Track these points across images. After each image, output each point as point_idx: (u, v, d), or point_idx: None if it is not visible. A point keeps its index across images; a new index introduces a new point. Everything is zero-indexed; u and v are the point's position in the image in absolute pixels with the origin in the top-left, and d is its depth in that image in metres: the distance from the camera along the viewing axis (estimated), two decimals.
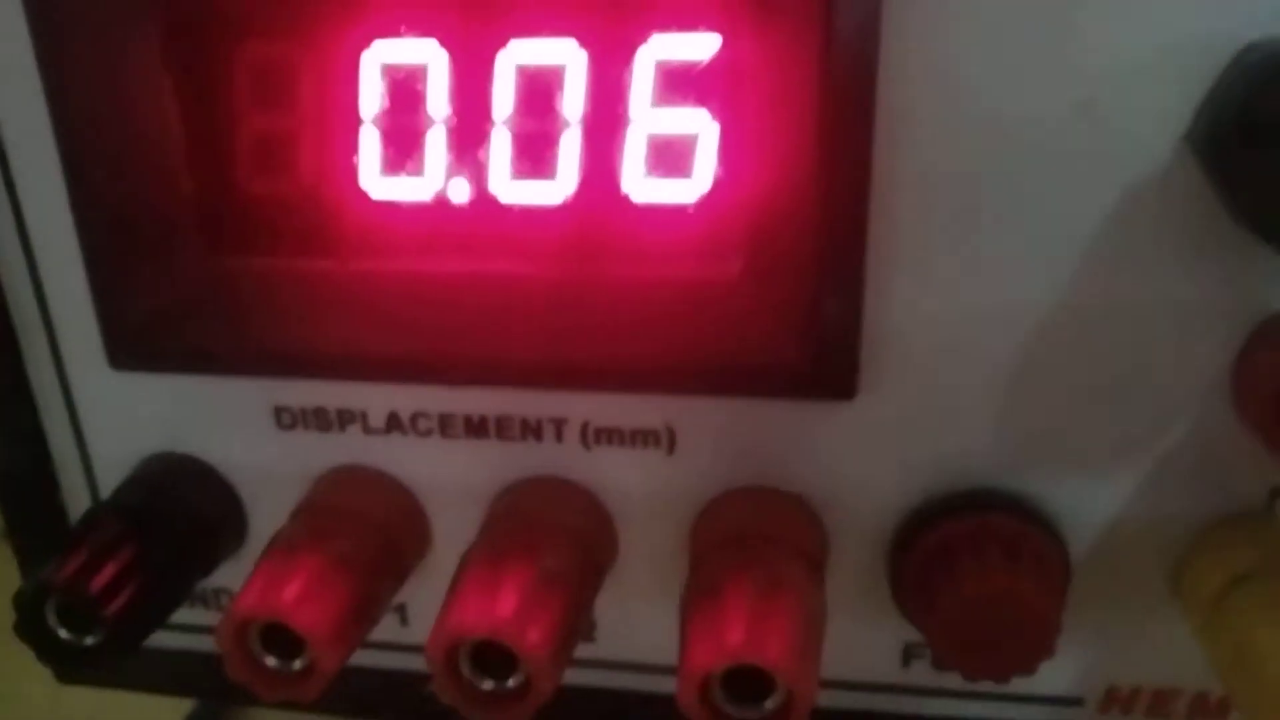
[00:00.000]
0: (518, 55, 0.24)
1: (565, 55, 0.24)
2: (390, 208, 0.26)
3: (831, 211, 0.23)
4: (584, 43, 0.24)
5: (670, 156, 0.25)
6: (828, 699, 0.27)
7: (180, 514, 0.27)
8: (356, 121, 0.25)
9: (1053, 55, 0.21)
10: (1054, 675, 0.27)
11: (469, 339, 0.25)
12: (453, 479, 0.27)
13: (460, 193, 0.25)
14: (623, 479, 0.26)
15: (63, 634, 0.25)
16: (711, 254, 0.25)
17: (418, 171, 0.26)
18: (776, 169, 0.24)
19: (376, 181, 0.26)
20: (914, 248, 0.23)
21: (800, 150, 0.23)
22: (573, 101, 0.24)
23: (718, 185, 0.24)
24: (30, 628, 0.25)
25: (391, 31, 0.25)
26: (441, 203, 0.26)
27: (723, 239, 0.25)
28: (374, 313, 0.26)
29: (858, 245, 0.23)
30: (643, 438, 0.26)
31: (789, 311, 0.24)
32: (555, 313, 0.25)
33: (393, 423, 0.27)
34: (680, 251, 0.25)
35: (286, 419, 0.27)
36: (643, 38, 0.24)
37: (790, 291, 0.24)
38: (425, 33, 0.25)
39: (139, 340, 0.26)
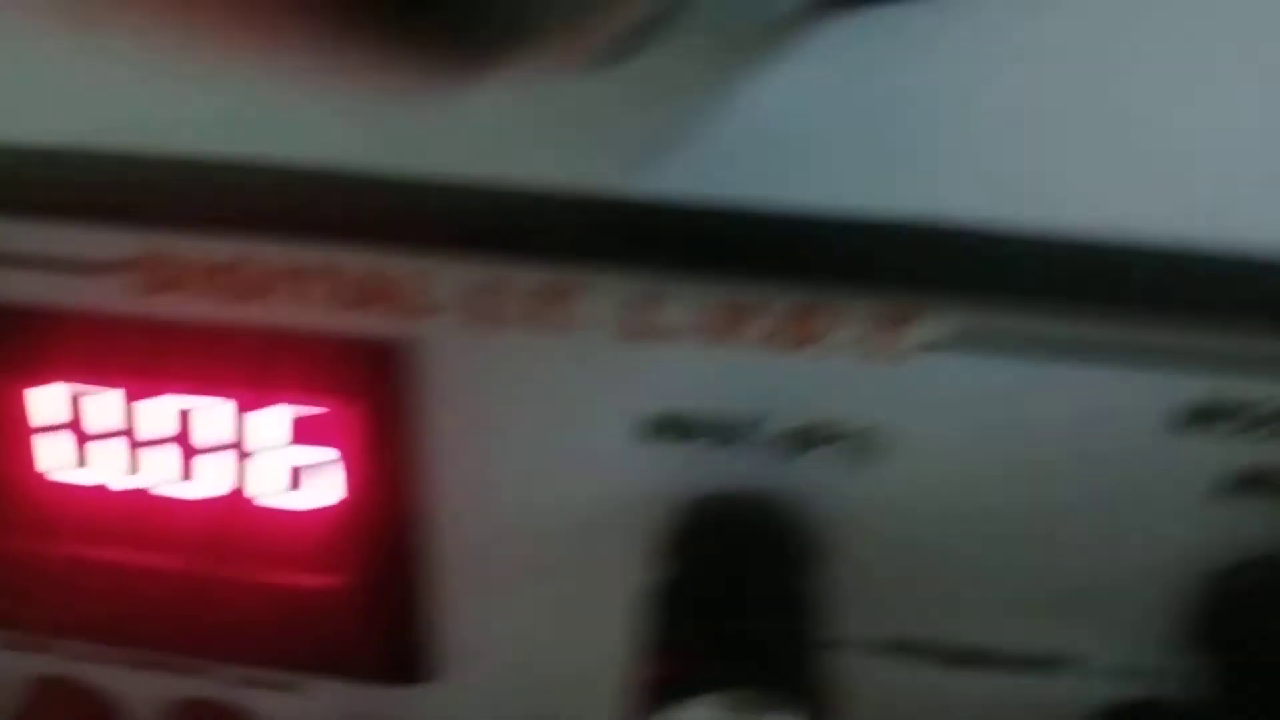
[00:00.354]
0: (180, 401, 0.29)
1: (219, 403, 0.28)
2: (60, 497, 0.30)
3: (392, 550, 0.28)
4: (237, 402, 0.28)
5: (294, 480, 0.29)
6: None
7: None
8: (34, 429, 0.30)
9: (565, 469, 0.26)
10: None
11: (127, 618, 0.31)
12: (136, 695, 0.33)
13: (119, 487, 0.30)
14: (271, 713, 0.32)
15: None
16: (320, 563, 0.30)
17: (86, 473, 0.30)
18: (362, 507, 0.29)
19: (52, 473, 0.30)
20: (474, 579, 0.28)
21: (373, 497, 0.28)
22: (218, 433, 0.29)
23: (326, 508, 0.29)
24: None
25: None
26: (102, 495, 0.30)
27: (330, 551, 0.30)
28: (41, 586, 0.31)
29: (415, 575, 0.29)
30: (279, 685, 0.32)
31: (376, 617, 0.29)
32: (186, 601, 0.30)
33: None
34: (293, 558, 0.30)
35: None
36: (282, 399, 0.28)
37: (376, 601, 0.29)
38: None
39: None
